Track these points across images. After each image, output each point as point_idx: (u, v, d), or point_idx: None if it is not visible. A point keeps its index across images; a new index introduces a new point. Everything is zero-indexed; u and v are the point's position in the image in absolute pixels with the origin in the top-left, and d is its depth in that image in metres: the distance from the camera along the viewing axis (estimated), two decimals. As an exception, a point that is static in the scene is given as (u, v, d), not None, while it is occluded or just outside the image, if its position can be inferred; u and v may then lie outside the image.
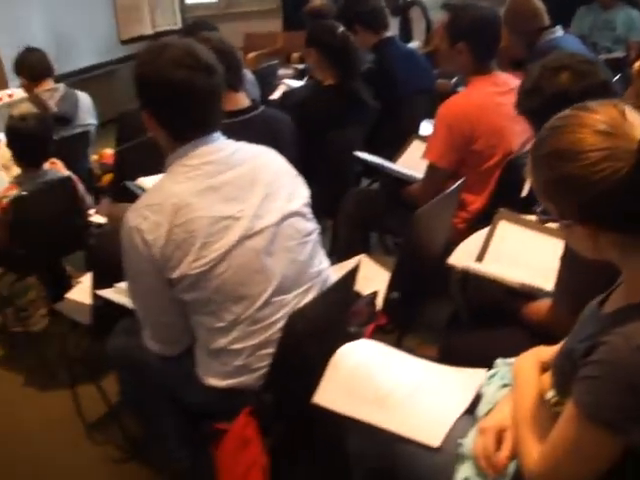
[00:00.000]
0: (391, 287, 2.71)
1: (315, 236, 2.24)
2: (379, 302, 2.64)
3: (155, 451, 2.74)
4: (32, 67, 4.74)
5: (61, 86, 4.69)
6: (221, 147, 2.13)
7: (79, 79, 8.47)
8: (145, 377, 2.38)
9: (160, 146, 2.21)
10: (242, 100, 3.31)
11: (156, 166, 3.72)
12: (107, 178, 4.93)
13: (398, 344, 2.78)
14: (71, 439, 3.24)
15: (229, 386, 2.10)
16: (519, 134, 3.24)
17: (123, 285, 2.53)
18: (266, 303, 2.05)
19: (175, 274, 1.98)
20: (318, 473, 2.40)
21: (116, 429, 3.15)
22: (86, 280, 3.19)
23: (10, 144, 3.81)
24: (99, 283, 2.71)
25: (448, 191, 2.90)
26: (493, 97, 3.27)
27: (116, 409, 3.23)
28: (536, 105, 2.29)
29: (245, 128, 2.94)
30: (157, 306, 2.13)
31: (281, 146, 2.53)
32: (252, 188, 2.10)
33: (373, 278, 2.84)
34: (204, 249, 1.97)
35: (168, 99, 2.08)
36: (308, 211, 2.24)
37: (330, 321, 2.23)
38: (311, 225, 2.24)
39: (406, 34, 6.75)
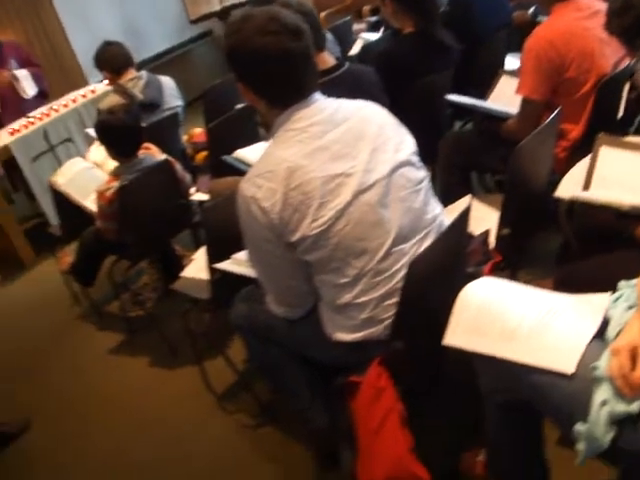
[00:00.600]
0: (501, 224, 2.72)
1: (426, 183, 2.24)
2: (491, 240, 2.65)
3: (290, 412, 2.81)
4: (113, 59, 4.81)
5: (143, 73, 4.77)
6: (323, 107, 2.13)
7: (156, 64, 8.69)
8: (273, 340, 2.46)
9: (260, 115, 2.24)
10: (327, 59, 3.31)
11: (248, 137, 3.84)
12: (201, 156, 5.04)
13: (512, 280, 2.79)
14: (204, 412, 3.37)
15: (358, 339, 2.15)
16: (610, 56, 3.19)
17: (240, 255, 2.61)
18: (386, 254, 2.07)
19: (295, 237, 2.02)
20: (450, 413, 2.44)
21: (247, 397, 3.27)
22: (198, 257, 3.30)
23: (102, 139, 3.90)
24: (214, 257, 2.79)
25: (546, 122, 2.86)
26: (578, 22, 3.22)
27: (245, 377, 3.35)
28: (629, 23, 2.25)
29: (334, 86, 2.94)
30: (280, 271, 2.18)
31: (372, 100, 2.53)
32: (359, 143, 2.10)
33: (482, 217, 2.85)
34: (321, 209, 2.00)
35: (260, 68, 2.08)
36: (417, 159, 2.24)
37: (449, 264, 2.25)
38: (421, 173, 2.23)
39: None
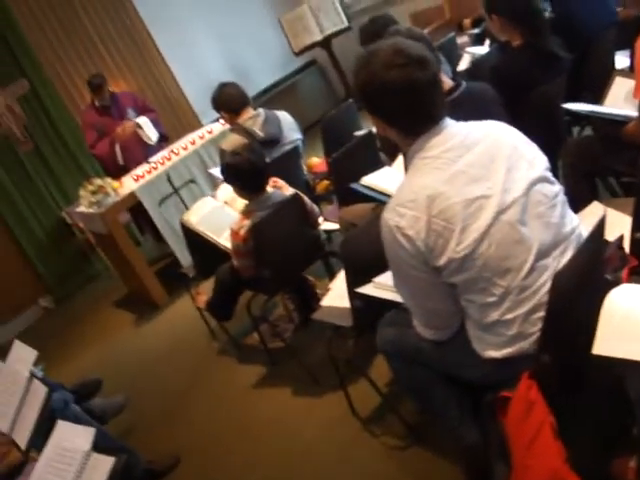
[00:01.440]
0: (635, 227, 2.74)
1: (561, 196, 2.30)
2: (626, 245, 2.68)
3: (438, 431, 2.90)
4: (230, 100, 5.00)
5: (261, 111, 4.94)
6: (455, 132, 2.24)
7: (265, 98, 8.98)
8: (420, 362, 2.56)
9: (380, 140, 2.34)
10: (445, 81, 3.39)
11: (370, 163, 3.96)
12: (322, 185, 5.20)
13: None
14: (351, 437, 3.47)
15: (506, 355, 2.23)
16: None
17: (381, 279, 2.73)
18: (530, 270, 2.15)
19: (441, 261, 2.13)
20: (597, 420, 2.47)
21: (392, 419, 3.36)
22: (335, 285, 3.44)
23: (231, 180, 4.10)
24: (355, 284, 2.91)
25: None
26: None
27: (390, 399, 3.45)
28: None
29: (456, 107, 3.00)
30: (427, 295, 2.28)
31: (494, 116, 2.61)
32: (494, 164, 2.19)
33: (613, 222, 2.86)
34: (464, 232, 2.10)
35: (391, 101, 2.21)
36: (550, 174, 2.30)
37: (590, 274, 2.30)
38: (556, 187, 2.30)
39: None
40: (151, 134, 7.03)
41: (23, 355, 4.16)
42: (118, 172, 7.01)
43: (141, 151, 7.07)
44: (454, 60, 5.60)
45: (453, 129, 2.25)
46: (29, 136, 8.35)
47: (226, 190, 4.59)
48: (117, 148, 7.12)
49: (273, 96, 9.43)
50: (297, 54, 9.26)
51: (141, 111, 7.31)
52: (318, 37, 9.12)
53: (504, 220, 2.13)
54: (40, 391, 3.83)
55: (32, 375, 3.97)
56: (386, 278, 2.71)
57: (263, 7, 9.82)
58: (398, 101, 2.20)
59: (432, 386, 2.63)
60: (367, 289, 2.81)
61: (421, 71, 2.17)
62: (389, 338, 2.67)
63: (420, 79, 2.16)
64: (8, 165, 8.22)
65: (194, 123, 9.04)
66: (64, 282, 8.40)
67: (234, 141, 4.75)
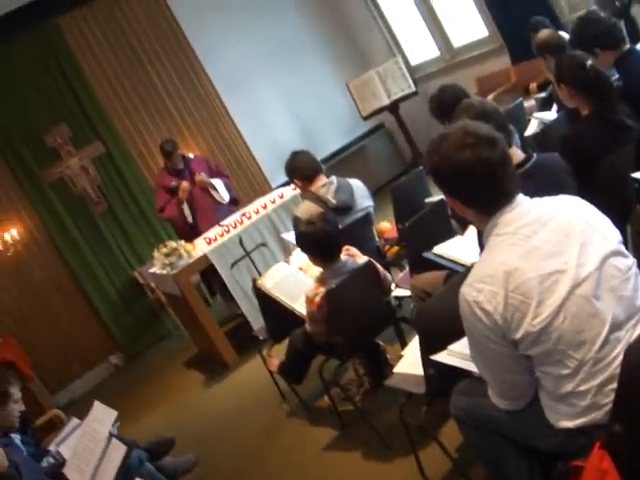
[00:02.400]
0: None
1: (635, 269, 2.39)
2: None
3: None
4: (303, 168, 5.16)
5: (334, 178, 5.08)
6: (529, 209, 2.36)
7: (334, 162, 9.20)
8: (493, 431, 2.65)
9: (451, 209, 2.47)
10: (517, 154, 3.49)
11: (441, 231, 4.08)
12: (393, 251, 5.33)
13: None
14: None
15: (579, 425, 2.31)
16: None
17: (455, 347, 2.85)
18: (604, 343, 2.24)
19: (518, 335, 2.24)
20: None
21: (463, 484, 3.44)
22: (408, 352, 3.56)
23: (305, 248, 4.27)
24: (428, 352, 3.04)
25: None
26: None
27: (460, 465, 3.52)
28: None
29: (528, 179, 3.12)
30: (503, 367, 2.39)
31: (564, 187, 2.71)
32: (568, 239, 2.31)
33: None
34: (540, 306, 2.21)
35: (464, 181, 2.36)
36: (623, 247, 2.40)
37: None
38: (629, 260, 2.39)
39: (634, 35, 6.60)
40: (223, 194, 7.31)
41: (103, 415, 4.36)
42: (189, 231, 7.30)
43: (212, 212, 7.34)
44: (522, 126, 5.70)
45: (527, 205, 2.38)
46: (103, 197, 8.74)
47: (300, 256, 4.74)
48: (185, 208, 7.39)
49: (341, 160, 9.69)
50: (365, 118, 9.49)
51: (214, 176, 7.59)
52: (385, 101, 9.34)
53: (579, 294, 2.23)
54: (119, 449, 4.01)
55: (111, 434, 4.16)
56: (460, 346, 2.83)
57: (331, 72, 10.11)
58: (472, 180, 2.34)
59: (504, 454, 2.70)
60: (441, 356, 2.92)
61: (492, 150, 2.32)
62: (463, 405, 2.76)
63: (491, 158, 2.31)
64: (82, 225, 8.62)
65: (264, 186, 9.32)
66: (135, 340, 8.67)
67: (308, 209, 4.89)
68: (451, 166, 2.35)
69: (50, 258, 8.56)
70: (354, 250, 4.30)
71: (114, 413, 4.33)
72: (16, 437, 4.32)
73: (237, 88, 9.49)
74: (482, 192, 2.36)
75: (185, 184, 7.27)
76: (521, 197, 2.40)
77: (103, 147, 8.76)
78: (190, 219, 7.42)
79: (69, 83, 8.63)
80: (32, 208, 8.47)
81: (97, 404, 4.43)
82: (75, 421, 4.75)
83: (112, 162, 8.81)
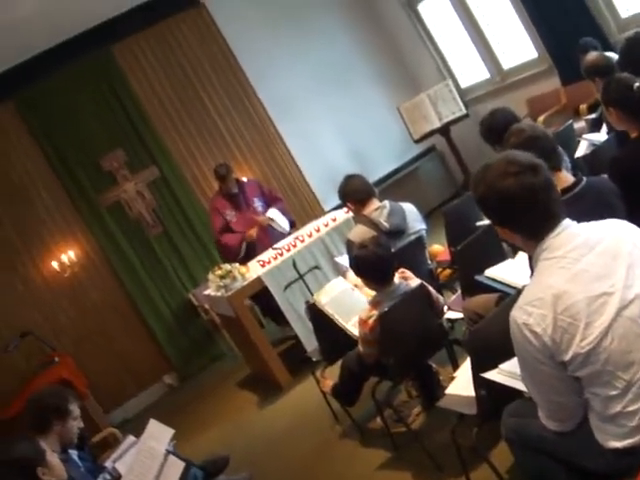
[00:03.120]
0: None
1: None
2: None
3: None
4: (356, 192, 5.25)
5: (386, 202, 5.16)
6: (576, 233, 2.44)
7: (386, 185, 9.31)
8: (542, 451, 2.71)
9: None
10: (566, 177, 3.55)
11: (493, 254, 4.14)
12: (445, 273, 5.40)
13: None
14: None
15: (628, 445, 2.36)
16: None
17: (506, 366, 2.92)
18: (652, 364, 2.32)
19: (567, 356, 2.32)
20: None
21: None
22: (460, 374, 3.63)
23: (358, 272, 4.35)
24: (479, 371, 3.10)
25: None
26: None
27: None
28: None
29: (577, 202, 3.22)
30: (552, 388, 2.45)
31: (613, 210, 2.76)
32: (615, 262, 2.38)
33: None
34: (588, 328, 2.29)
35: (510, 209, 2.46)
36: None
37: None
38: None
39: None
40: (283, 224, 7.46)
41: (159, 432, 4.47)
42: (234, 260, 7.36)
43: (266, 236, 7.49)
44: (572, 147, 5.73)
45: (574, 230, 2.46)
46: (158, 220, 8.94)
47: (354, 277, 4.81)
48: (243, 245, 7.54)
49: (393, 183, 9.80)
50: (416, 141, 9.57)
51: (268, 200, 7.76)
52: (437, 124, 9.41)
53: (626, 316, 2.30)
54: (178, 466, 4.13)
55: (168, 451, 4.27)
56: (510, 366, 2.90)
57: (382, 95, 10.23)
58: (517, 207, 2.43)
59: (554, 475, 2.75)
60: (492, 375, 2.99)
61: (534, 176, 2.41)
62: (513, 427, 2.82)
63: (534, 184, 2.40)
64: (138, 248, 8.84)
65: (317, 209, 9.47)
66: (189, 361, 8.84)
67: (361, 232, 4.98)
68: (496, 195, 2.46)
69: (106, 280, 8.80)
70: (408, 273, 4.37)
71: (171, 431, 4.45)
72: (74, 453, 4.42)
73: (289, 111, 9.66)
74: (528, 218, 2.45)
75: (252, 232, 7.44)
76: (567, 221, 2.48)
77: (158, 171, 9.00)
78: (242, 254, 7.55)
79: (124, 108, 8.91)
80: (89, 230, 8.73)
81: (152, 422, 4.54)
82: (131, 439, 4.87)
83: (167, 186, 9.03)
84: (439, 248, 6.02)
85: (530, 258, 2.62)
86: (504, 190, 2.42)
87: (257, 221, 7.49)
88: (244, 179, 8.10)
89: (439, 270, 5.51)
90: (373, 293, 4.33)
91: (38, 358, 8.19)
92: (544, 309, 2.33)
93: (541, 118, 8.04)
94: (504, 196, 2.43)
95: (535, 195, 2.41)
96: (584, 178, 3.63)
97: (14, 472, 3.57)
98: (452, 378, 3.73)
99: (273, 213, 7.52)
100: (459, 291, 4.55)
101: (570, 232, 2.45)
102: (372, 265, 4.21)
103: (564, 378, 2.39)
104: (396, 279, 4.27)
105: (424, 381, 4.71)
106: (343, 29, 10.19)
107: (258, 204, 7.66)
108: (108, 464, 4.63)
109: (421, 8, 9.89)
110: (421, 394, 4.75)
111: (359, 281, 4.67)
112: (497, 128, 4.52)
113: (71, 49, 8.54)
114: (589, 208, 2.70)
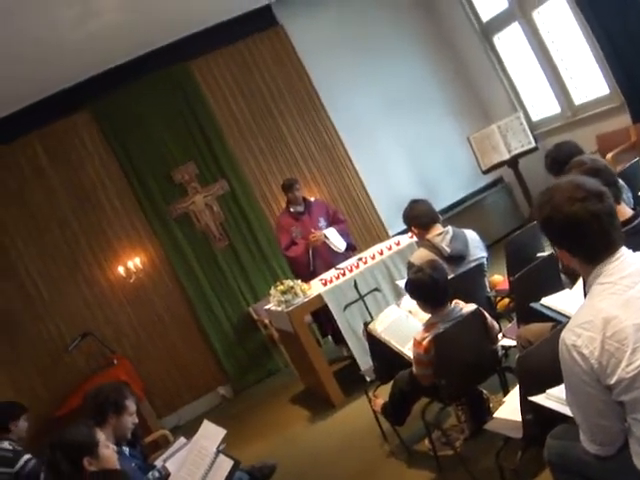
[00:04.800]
0: None
1: None
2: None
3: None
4: (421, 216, 5.38)
5: (449, 228, 5.28)
6: (631, 261, 2.54)
7: (452, 214, 9.39)
8: (583, 475, 2.77)
9: (562, 264, 2.63)
10: (625, 211, 3.65)
11: (551, 284, 4.21)
12: (503, 303, 5.47)
13: None
14: None
15: (664, 472, 2.45)
16: None
17: (553, 391, 3.00)
18: (693, 390, 2.38)
19: (612, 380, 2.40)
20: None
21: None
22: (509, 399, 3.71)
23: (413, 294, 4.47)
24: (527, 395, 3.18)
25: None
26: None
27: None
28: None
29: (634, 237, 3.30)
30: (595, 411, 2.53)
31: None
32: None
33: None
34: (635, 354, 2.36)
35: (573, 233, 2.55)
36: None
37: None
38: None
39: None
40: (338, 243, 7.60)
41: (211, 432, 4.62)
42: (306, 273, 7.61)
43: (330, 256, 7.64)
44: (636, 185, 5.74)
45: (630, 258, 2.55)
46: (225, 233, 9.16)
47: (410, 300, 4.90)
48: (310, 252, 7.70)
49: (459, 212, 9.88)
50: (484, 172, 9.63)
51: (332, 221, 7.92)
52: (506, 156, 9.41)
53: None
54: (227, 463, 4.27)
55: (219, 450, 4.42)
56: (558, 391, 2.98)
57: (453, 125, 10.30)
58: (580, 232, 2.53)
59: (594, 499, 2.84)
60: (539, 399, 3.07)
61: (600, 203, 2.51)
62: (556, 449, 2.90)
63: (599, 211, 2.50)
64: (203, 259, 9.07)
65: (381, 233, 9.61)
66: (245, 374, 9.03)
67: (422, 256, 5.10)
68: (562, 218, 2.55)
69: (170, 288, 9.07)
70: (462, 304, 4.44)
71: (223, 431, 4.60)
72: (125, 449, 4.58)
73: (359, 135, 9.82)
74: (588, 243, 2.55)
75: (319, 234, 7.61)
76: (624, 250, 2.57)
77: (228, 186, 9.22)
78: (312, 265, 7.73)
79: (198, 123, 9.18)
80: (156, 239, 9.02)
81: (206, 422, 4.70)
82: (182, 440, 5.05)
83: (235, 201, 9.26)
84: (499, 278, 6.09)
85: (584, 282, 2.71)
86: (571, 214, 2.51)
87: (312, 232, 7.64)
88: (312, 199, 8.26)
89: (497, 299, 5.58)
90: (427, 317, 4.43)
91: (97, 359, 8.52)
92: (593, 332, 2.42)
93: (609, 155, 8.02)
94: (570, 221, 2.52)
95: (599, 222, 2.50)
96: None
97: (61, 454, 3.68)
98: (501, 403, 3.81)
99: (330, 231, 7.68)
100: (515, 319, 4.62)
101: (626, 260, 2.54)
102: (426, 288, 4.31)
103: (608, 402, 2.46)
104: (451, 304, 4.35)
105: (474, 406, 4.78)
106: (417, 56, 10.32)
107: (323, 224, 7.82)
108: (158, 463, 4.80)
109: (496, 39, 9.96)
110: (470, 419, 4.82)
111: (413, 307, 4.79)
112: (561, 160, 4.62)
113: (150, 62, 8.90)
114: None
